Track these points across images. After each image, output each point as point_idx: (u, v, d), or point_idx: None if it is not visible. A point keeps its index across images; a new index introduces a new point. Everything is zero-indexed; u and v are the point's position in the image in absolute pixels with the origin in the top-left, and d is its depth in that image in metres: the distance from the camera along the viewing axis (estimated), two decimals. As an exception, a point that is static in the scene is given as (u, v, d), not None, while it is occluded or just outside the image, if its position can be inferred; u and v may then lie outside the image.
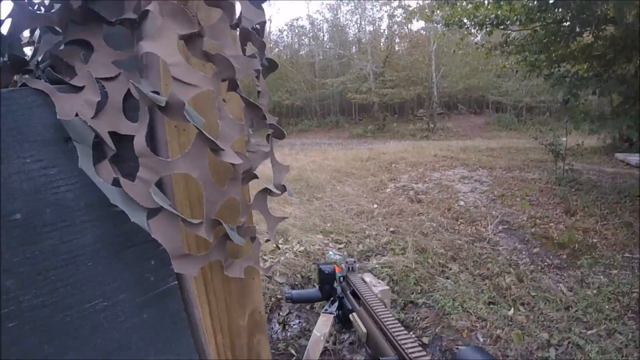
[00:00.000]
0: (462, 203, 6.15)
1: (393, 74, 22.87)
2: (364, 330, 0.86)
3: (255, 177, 0.58)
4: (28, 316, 0.42)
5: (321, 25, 30.03)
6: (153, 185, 0.44)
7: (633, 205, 5.69)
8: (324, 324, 1.03)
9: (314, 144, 17.28)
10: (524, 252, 4.49)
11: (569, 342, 2.99)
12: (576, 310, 3.37)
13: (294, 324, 3.12)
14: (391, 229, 5.00)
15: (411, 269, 3.83)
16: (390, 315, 0.81)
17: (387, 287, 1.03)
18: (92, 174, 0.41)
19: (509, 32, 7.66)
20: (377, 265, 3.88)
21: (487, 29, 7.84)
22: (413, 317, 3.15)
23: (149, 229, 0.43)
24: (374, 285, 1.02)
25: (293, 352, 2.78)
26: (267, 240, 0.66)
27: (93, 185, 0.42)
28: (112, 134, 0.44)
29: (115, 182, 0.43)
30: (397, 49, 26.46)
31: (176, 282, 0.54)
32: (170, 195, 0.52)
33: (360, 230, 4.98)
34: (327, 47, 29.41)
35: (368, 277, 1.08)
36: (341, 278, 1.16)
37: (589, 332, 3.11)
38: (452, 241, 4.56)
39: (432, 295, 3.43)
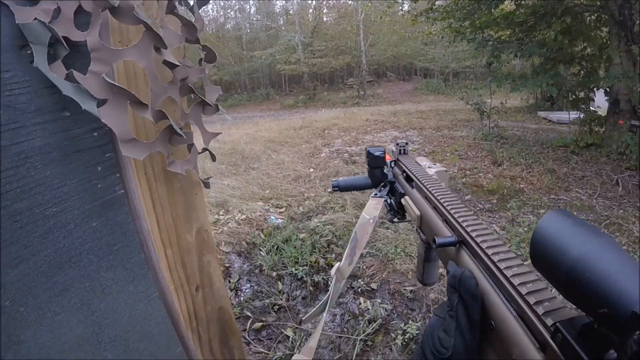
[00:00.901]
0: (395, 161, 6.35)
1: (322, 44, 22.78)
2: (417, 212, 0.74)
3: (192, 90, 0.60)
4: None
5: (247, -3, 29.25)
6: (105, 74, 0.44)
7: (556, 155, 6.16)
8: (373, 208, 0.91)
9: (246, 118, 17.00)
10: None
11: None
12: (510, 246, 3.59)
13: (245, 289, 3.12)
14: (329, 190, 5.07)
15: (352, 224, 3.92)
16: (449, 192, 0.69)
17: (444, 168, 0.91)
18: (47, 70, 0.41)
19: (434, -1, 7.84)
20: (319, 224, 3.94)
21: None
22: (360, 267, 3.24)
23: (100, 114, 0.43)
24: (428, 167, 0.91)
25: (249, 314, 2.79)
26: (204, 150, 0.65)
27: (44, 91, 0.43)
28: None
29: (67, 79, 0.43)
30: (325, 19, 26.32)
31: (123, 191, 0.54)
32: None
33: (299, 194, 5.02)
34: (254, 19, 28.73)
35: (423, 161, 0.97)
36: (392, 163, 1.03)
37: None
38: (390, 196, 4.71)
39: (375, 245, 3.54)
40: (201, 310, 0.68)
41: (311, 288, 3.03)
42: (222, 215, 4.69)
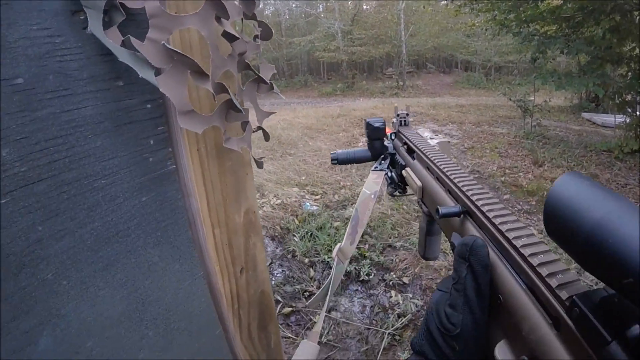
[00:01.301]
0: (434, 155, 6.24)
1: (361, 32, 22.49)
2: (419, 184, 0.72)
3: (248, 67, 0.58)
4: (23, 191, 0.39)
5: (287, -18, 29.18)
6: (165, 41, 0.43)
7: (599, 159, 5.89)
8: (374, 182, 0.89)
9: (283, 104, 17.04)
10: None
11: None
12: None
13: (277, 273, 3.14)
14: (365, 179, 5.03)
15: (387, 215, 3.89)
16: (453, 162, 0.65)
17: (446, 139, 0.89)
18: (102, 36, 0.39)
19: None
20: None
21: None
22: (392, 259, 3.20)
23: (158, 83, 0.41)
24: (430, 138, 0.89)
25: (279, 298, 2.81)
26: (259, 128, 0.63)
27: (97, 58, 0.42)
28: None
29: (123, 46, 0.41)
30: (365, 7, 25.97)
31: (174, 166, 0.52)
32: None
33: (335, 182, 5.00)
34: (294, 5, 28.66)
35: (425, 132, 0.95)
36: (392, 135, 1.02)
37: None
38: (426, 189, 4.65)
39: (409, 239, 3.49)
40: (244, 293, 0.67)
41: (343, 277, 3.01)
42: (258, 198, 4.73)
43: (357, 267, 3.05)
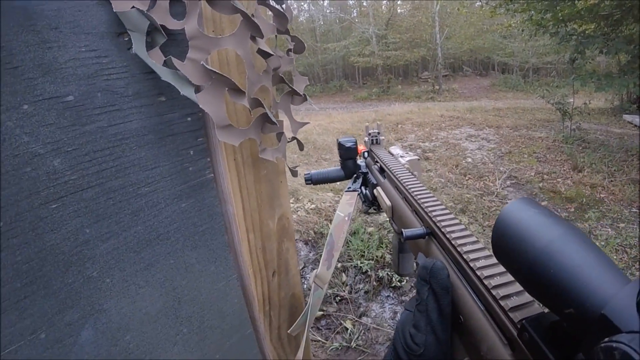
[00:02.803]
0: (469, 160, 6.14)
1: (396, 36, 22.37)
2: (388, 203, 0.73)
3: (282, 80, 0.60)
4: (72, 197, 0.43)
5: (320, -11, 29.35)
6: (204, 61, 0.46)
7: (641, 164, 5.66)
8: (347, 204, 0.87)
9: (319, 109, 17.12)
10: None
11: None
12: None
13: (309, 277, 3.16)
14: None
15: (421, 222, 3.85)
16: (419, 183, 0.67)
17: (416, 157, 0.88)
18: (145, 57, 0.43)
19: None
20: (387, 219, 3.90)
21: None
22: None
23: (197, 100, 0.45)
24: (401, 157, 0.89)
25: (310, 301, 2.83)
26: (293, 138, 0.66)
27: (141, 76, 0.46)
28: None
29: (165, 66, 0.45)
30: (399, 10, 25.85)
31: (212, 175, 0.56)
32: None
33: (370, 188, 4.99)
34: (328, 11, 28.81)
35: (396, 149, 0.95)
36: (365, 153, 1.02)
37: None
38: (461, 195, 4.58)
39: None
40: (275, 295, 0.70)
41: (375, 283, 3.01)
42: (293, 203, 4.78)
43: (389, 273, 3.05)
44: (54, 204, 0.42)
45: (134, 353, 0.51)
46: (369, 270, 3.11)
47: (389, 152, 0.94)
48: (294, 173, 0.69)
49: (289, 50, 0.61)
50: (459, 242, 0.45)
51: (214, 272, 0.57)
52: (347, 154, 1.03)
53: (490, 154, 6.47)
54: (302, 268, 3.28)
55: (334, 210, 4.30)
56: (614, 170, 5.47)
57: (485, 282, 0.38)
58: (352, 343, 2.47)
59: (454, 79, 23.78)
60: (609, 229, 3.91)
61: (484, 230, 3.85)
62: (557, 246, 0.27)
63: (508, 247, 0.31)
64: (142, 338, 0.51)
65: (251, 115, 0.59)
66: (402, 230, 0.55)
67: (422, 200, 0.58)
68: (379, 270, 3.09)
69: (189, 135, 0.52)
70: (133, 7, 0.43)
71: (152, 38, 0.45)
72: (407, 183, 0.67)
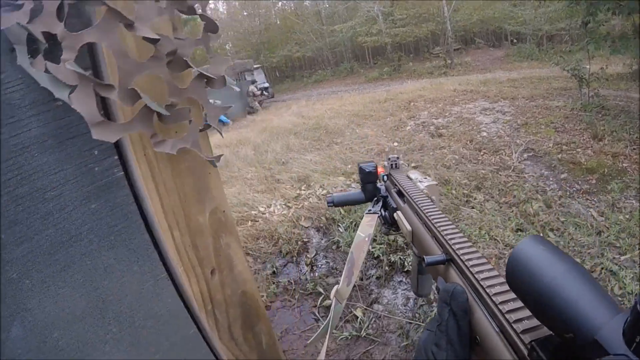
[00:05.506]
0: (484, 134, 5.99)
1: (403, 12, 21.97)
2: (409, 228, 0.76)
3: (188, 65, 0.58)
4: None
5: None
6: (70, 61, 0.46)
7: (665, 130, 5.40)
8: (367, 225, 0.93)
9: (331, 93, 17.06)
10: (551, 179, 4.33)
11: (602, 268, 2.87)
12: (608, 236, 3.22)
13: (321, 264, 3.13)
14: (413, 164, 4.91)
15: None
16: (437, 210, 0.70)
17: (435, 182, 0.91)
18: (28, 66, 0.45)
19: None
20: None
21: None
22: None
23: (70, 101, 0.46)
24: (420, 182, 0.91)
25: (321, 290, 2.79)
26: (208, 126, 0.61)
27: (35, 86, 0.48)
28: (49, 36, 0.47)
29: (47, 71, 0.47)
30: (404, -15, 25.35)
31: (122, 173, 0.56)
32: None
33: (381, 169, 4.91)
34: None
35: (414, 174, 0.97)
36: (385, 177, 1.06)
37: (623, 257, 2.98)
38: (476, 171, 4.45)
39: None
40: (218, 294, 0.68)
41: (387, 268, 2.95)
42: (304, 190, 4.74)
43: (402, 257, 2.98)
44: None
45: (65, 350, 0.53)
46: (380, 255, 3.05)
47: (408, 177, 0.97)
48: (213, 163, 0.64)
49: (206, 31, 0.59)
50: (477, 269, 0.49)
51: (138, 272, 0.56)
52: (367, 177, 1.07)
53: (505, 126, 6.30)
54: (315, 255, 3.24)
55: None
56: (637, 137, 5.20)
57: (500, 307, 0.41)
58: (362, 332, 2.43)
59: (466, 52, 23.29)
60: (634, 201, 3.75)
61: (501, 207, 3.74)
62: (560, 281, 0.32)
63: (519, 280, 0.36)
64: (71, 336, 0.54)
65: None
66: (424, 257, 0.58)
67: (442, 228, 0.62)
68: (391, 255, 3.02)
69: (89, 135, 0.51)
70: (16, 22, 0.44)
71: (39, 46, 0.46)
72: (426, 210, 0.71)
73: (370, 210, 1.02)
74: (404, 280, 2.86)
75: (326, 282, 2.88)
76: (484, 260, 0.51)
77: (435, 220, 0.65)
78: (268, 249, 3.59)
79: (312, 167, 5.20)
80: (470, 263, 0.50)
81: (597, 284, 0.32)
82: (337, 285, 0.87)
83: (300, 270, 3.26)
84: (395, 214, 0.87)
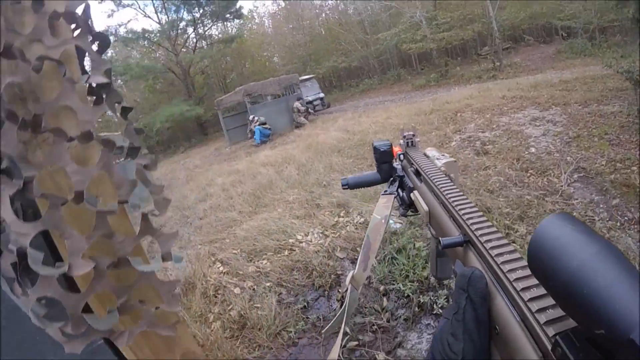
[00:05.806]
0: (532, 150, 5.69)
1: (446, 15, 21.36)
2: (426, 208, 0.73)
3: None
4: None
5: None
6: None
7: None
8: (384, 206, 0.90)
9: (377, 103, 16.93)
10: (601, 205, 3.93)
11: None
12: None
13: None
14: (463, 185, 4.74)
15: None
16: (455, 188, 0.66)
17: (453, 159, 0.86)
18: None
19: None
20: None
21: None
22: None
23: None
24: (437, 159, 0.87)
25: (348, 330, 2.77)
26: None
27: None
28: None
29: None
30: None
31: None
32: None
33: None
34: (373, 1, 28.30)
35: (431, 152, 0.93)
36: (401, 155, 1.02)
37: None
38: (520, 197, 4.20)
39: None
40: None
41: (416, 309, 2.88)
42: (342, 217, 4.71)
43: (432, 298, 2.89)
44: None
45: None
46: (411, 294, 2.98)
47: (425, 155, 0.93)
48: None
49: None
50: (496, 251, 0.45)
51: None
52: (383, 157, 1.04)
53: (556, 140, 5.94)
54: (346, 290, 3.21)
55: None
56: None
57: (522, 294, 0.38)
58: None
59: (515, 50, 22.46)
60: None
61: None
62: (590, 267, 0.27)
63: (543, 264, 0.31)
64: None
65: None
66: (440, 238, 0.55)
67: (459, 207, 0.59)
68: (422, 295, 2.94)
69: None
70: None
71: None
72: (443, 188, 0.68)
73: (386, 191, 0.99)
74: (431, 323, 2.78)
75: (353, 322, 2.86)
76: (505, 241, 0.47)
77: (453, 199, 0.61)
78: (302, 282, 3.61)
79: (352, 192, 5.15)
80: (490, 245, 0.47)
81: (635, 270, 0.27)
82: (352, 271, 0.85)
83: (331, 306, 3.27)
84: (412, 194, 0.84)
